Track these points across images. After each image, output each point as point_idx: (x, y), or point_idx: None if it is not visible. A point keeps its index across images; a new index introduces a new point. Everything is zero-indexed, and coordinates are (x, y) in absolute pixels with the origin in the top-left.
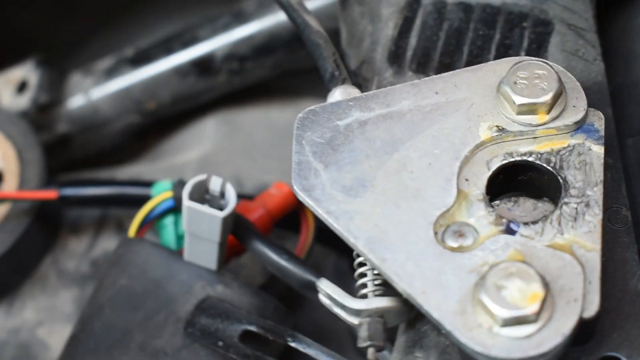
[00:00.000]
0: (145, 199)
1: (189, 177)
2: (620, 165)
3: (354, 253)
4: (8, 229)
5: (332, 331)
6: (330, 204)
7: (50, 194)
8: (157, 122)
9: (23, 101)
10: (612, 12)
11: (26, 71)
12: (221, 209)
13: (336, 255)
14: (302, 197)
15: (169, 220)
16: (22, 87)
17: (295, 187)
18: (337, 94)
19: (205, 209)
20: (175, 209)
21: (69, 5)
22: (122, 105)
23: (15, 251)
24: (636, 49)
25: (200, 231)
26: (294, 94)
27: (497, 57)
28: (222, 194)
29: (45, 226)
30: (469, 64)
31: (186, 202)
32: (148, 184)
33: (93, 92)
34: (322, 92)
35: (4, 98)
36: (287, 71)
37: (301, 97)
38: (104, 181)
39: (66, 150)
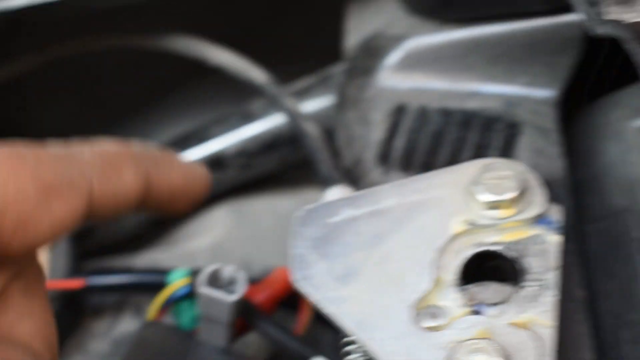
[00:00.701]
0: (160, 285)
1: (201, 262)
2: (578, 251)
3: (341, 334)
4: None
5: None
6: (325, 292)
7: (77, 283)
8: None
9: None
10: (576, 113)
11: None
12: (233, 293)
13: (333, 331)
14: (300, 286)
15: (184, 306)
16: None
17: (294, 277)
18: (332, 194)
19: (218, 294)
20: (190, 294)
21: (86, 104)
22: None
23: None
24: (595, 145)
25: (213, 314)
26: (297, 184)
27: (472, 157)
28: (234, 280)
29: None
30: (448, 163)
31: (202, 289)
32: (163, 272)
33: None
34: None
35: None
36: (292, 164)
37: (304, 186)
38: (125, 269)
39: (90, 239)
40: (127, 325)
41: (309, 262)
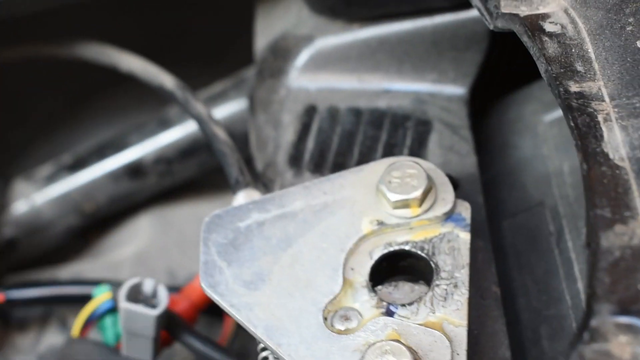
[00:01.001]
0: (85, 297)
1: (126, 272)
2: (491, 247)
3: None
4: None
5: None
6: (233, 298)
7: None
8: (95, 221)
9: None
10: (488, 108)
11: None
12: (154, 307)
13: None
14: (209, 293)
15: (108, 321)
16: None
17: (202, 285)
18: (240, 198)
19: (139, 309)
20: (114, 309)
21: (9, 115)
22: (63, 209)
23: None
24: (509, 140)
25: (136, 328)
26: (219, 189)
27: (383, 156)
28: (155, 293)
29: None
30: (360, 162)
31: (122, 304)
32: (87, 282)
33: (35, 197)
34: None
35: None
36: (211, 169)
37: (226, 191)
38: (47, 282)
39: (13, 253)
40: (53, 339)
41: (217, 269)
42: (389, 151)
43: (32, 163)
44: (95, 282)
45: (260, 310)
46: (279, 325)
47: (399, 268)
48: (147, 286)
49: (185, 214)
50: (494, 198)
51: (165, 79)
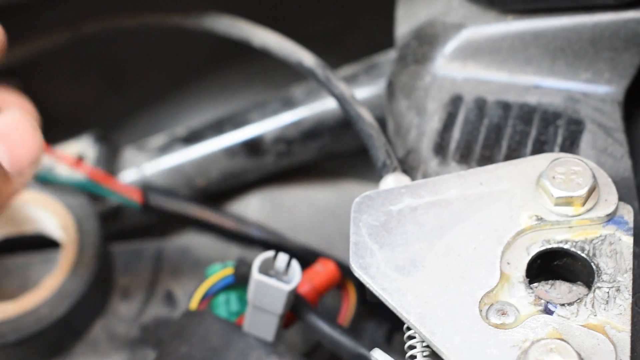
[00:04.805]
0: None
1: (235, 252)
2: None
3: (405, 326)
4: (65, 294)
5: None
6: (385, 282)
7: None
8: (204, 196)
9: (80, 174)
10: (638, 113)
11: (83, 145)
12: (288, 282)
13: (373, 325)
14: (359, 274)
15: (221, 299)
16: (79, 160)
17: (352, 265)
18: (389, 181)
19: (273, 282)
20: (229, 287)
21: (117, 84)
22: (174, 181)
23: (70, 315)
24: None
25: (264, 304)
26: (333, 175)
27: (533, 152)
28: (287, 270)
29: (99, 291)
30: (507, 157)
31: (255, 276)
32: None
33: (146, 167)
34: (360, 173)
35: (62, 170)
36: (330, 154)
37: (340, 178)
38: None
39: (118, 221)
40: (157, 310)
41: (368, 251)
42: (539, 148)
43: (138, 132)
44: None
45: (413, 296)
46: (432, 314)
47: (554, 267)
48: (281, 261)
49: (297, 197)
50: None
51: (304, 56)
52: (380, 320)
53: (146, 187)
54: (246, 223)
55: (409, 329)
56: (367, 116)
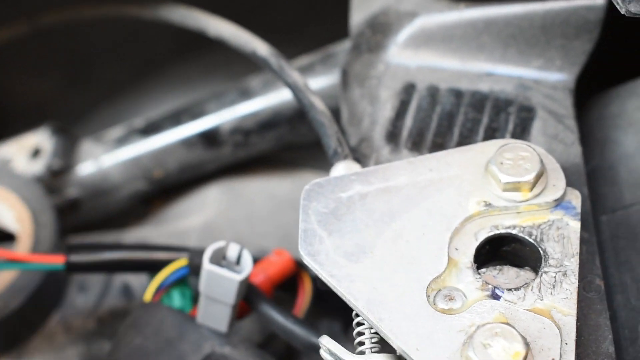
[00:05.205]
0: (151, 263)
1: (192, 242)
2: (595, 240)
3: (353, 313)
4: (20, 286)
5: None
6: (333, 268)
7: (58, 258)
8: (161, 188)
9: (37, 166)
10: (589, 101)
11: (40, 138)
12: (240, 272)
13: (329, 318)
14: (308, 261)
15: (175, 293)
16: (35, 152)
17: (301, 252)
18: (340, 169)
19: (224, 272)
20: (180, 281)
21: (78, 76)
22: (131, 173)
23: (26, 307)
24: (610, 135)
25: (217, 294)
26: (292, 166)
27: (484, 139)
28: (239, 260)
29: (55, 284)
30: (459, 144)
31: (207, 266)
32: (153, 247)
33: (103, 159)
34: (318, 164)
35: (18, 163)
36: (288, 145)
37: (299, 168)
38: (111, 246)
39: (75, 213)
40: (114, 302)
41: (317, 238)
42: (491, 135)
43: (98, 125)
44: (163, 248)
45: (361, 282)
46: (380, 300)
47: (502, 252)
48: (232, 251)
49: (256, 188)
50: (592, 192)
51: (258, 45)
52: (337, 313)
53: (69, 247)
54: (177, 250)
55: (357, 315)
56: (319, 105)
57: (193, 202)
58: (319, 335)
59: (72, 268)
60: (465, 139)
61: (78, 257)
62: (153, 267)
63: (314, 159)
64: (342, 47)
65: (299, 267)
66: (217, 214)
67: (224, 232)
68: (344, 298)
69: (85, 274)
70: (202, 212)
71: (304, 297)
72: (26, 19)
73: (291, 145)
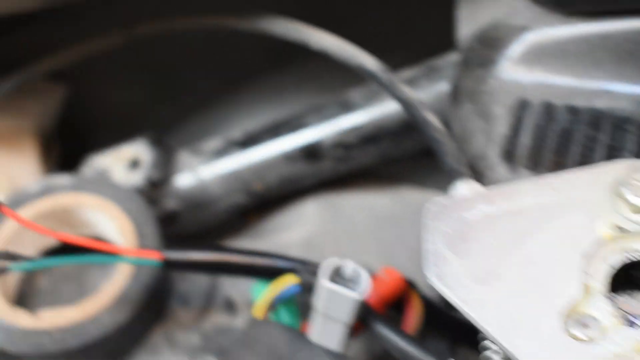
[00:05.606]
0: (251, 268)
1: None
2: None
3: (479, 336)
4: (126, 299)
5: None
6: (463, 292)
7: (154, 254)
8: (259, 202)
9: (136, 178)
10: None
11: (138, 148)
12: (356, 290)
13: (434, 337)
14: (436, 284)
15: (282, 309)
16: (134, 163)
17: (428, 275)
18: (460, 188)
19: (345, 291)
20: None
21: (167, 87)
22: (231, 186)
23: (132, 321)
24: None
25: (334, 312)
26: (389, 180)
27: (604, 158)
28: (355, 278)
29: (159, 297)
30: (579, 163)
31: (326, 284)
32: (253, 253)
33: (202, 171)
34: (416, 178)
35: (116, 174)
36: (390, 159)
37: (397, 182)
38: (209, 246)
39: (173, 225)
40: (217, 317)
41: (443, 260)
42: (610, 153)
43: (191, 136)
44: (264, 254)
45: (492, 307)
46: (512, 326)
47: (632, 277)
48: (348, 269)
49: (355, 203)
50: None
51: (365, 59)
52: (441, 333)
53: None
54: (272, 256)
55: (483, 338)
56: (434, 121)
57: (291, 216)
58: (437, 357)
59: (169, 265)
60: (585, 158)
61: (175, 255)
62: (253, 272)
63: (412, 173)
64: (446, 60)
65: (409, 287)
66: (317, 228)
67: (325, 247)
68: (475, 323)
69: (182, 271)
70: (301, 227)
71: (414, 317)
72: (121, 30)
73: (392, 159)
